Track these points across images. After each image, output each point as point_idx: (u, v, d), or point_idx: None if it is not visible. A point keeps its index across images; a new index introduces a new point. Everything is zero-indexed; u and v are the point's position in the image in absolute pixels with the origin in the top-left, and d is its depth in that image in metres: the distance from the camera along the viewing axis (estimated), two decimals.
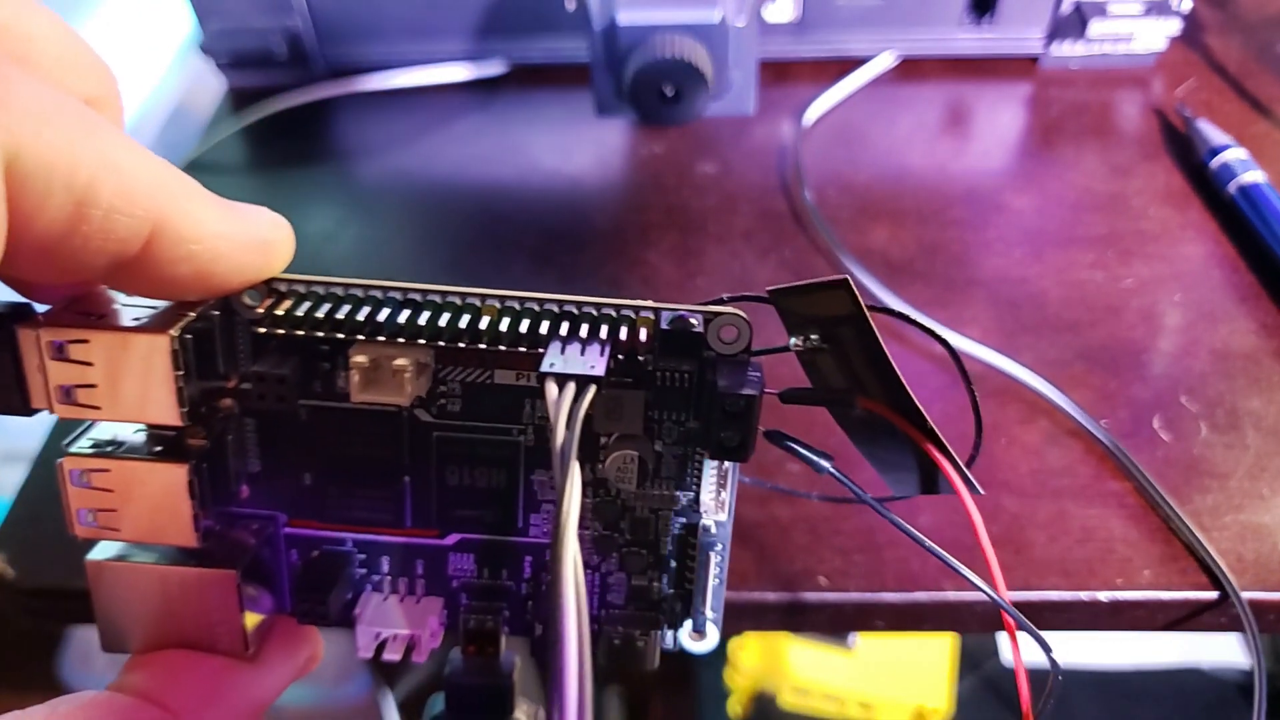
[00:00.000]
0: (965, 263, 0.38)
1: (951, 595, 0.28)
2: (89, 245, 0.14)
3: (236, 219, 0.17)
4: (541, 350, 0.18)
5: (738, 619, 0.29)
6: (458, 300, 0.18)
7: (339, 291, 0.18)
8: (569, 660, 0.15)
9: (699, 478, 0.20)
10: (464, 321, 0.18)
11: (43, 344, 0.17)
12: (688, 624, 0.21)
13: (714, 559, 0.20)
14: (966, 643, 0.68)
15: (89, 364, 0.17)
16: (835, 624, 0.29)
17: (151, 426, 0.18)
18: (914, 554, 0.29)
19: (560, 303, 0.18)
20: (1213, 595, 0.28)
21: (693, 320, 0.18)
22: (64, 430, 0.33)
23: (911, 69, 0.47)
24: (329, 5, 0.45)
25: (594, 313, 0.18)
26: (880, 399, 0.19)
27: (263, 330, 0.18)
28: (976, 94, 0.46)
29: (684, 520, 0.20)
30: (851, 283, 0.18)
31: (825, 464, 0.20)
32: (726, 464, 0.20)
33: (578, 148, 0.44)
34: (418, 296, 0.18)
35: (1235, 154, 0.39)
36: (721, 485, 0.20)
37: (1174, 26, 0.44)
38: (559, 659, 0.15)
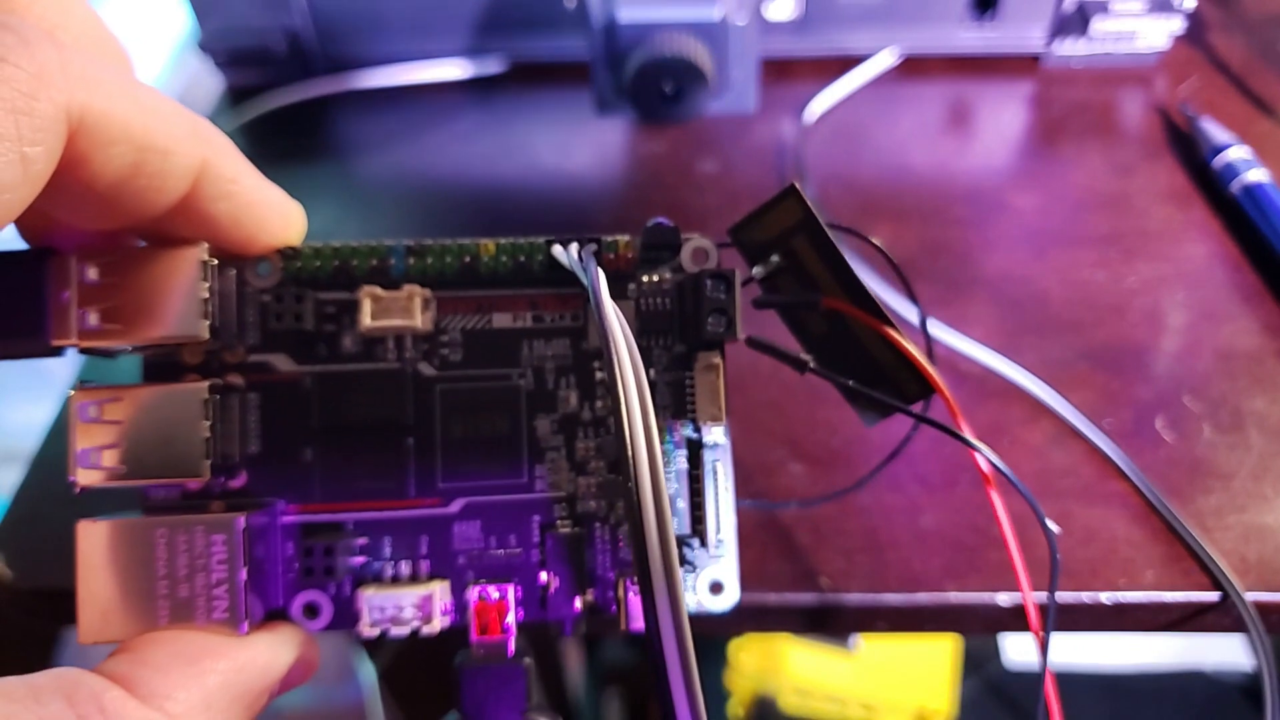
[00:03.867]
0: (968, 262, 0.38)
1: (953, 596, 0.28)
2: (151, 184, 0.17)
3: (265, 179, 0.19)
4: (534, 290, 0.21)
5: (739, 620, 0.29)
6: (457, 245, 0.20)
7: (346, 249, 0.20)
8: (635, 435, 0.16)
9: (693, 403, 0.21)
10: (464, 260, 0.20)
11: (73, 268, 0.18)
12: (706, 575, 0.21)
13: (720, 471, 0.21)
14: (968, 645, 0.68)
15: (116, 284, 0.18)
16: (837, 626, 0.29)
17: (164, 351, 0.19)
18: (916, 555, 0.29)
19: (550, 240, 0.21)
20: (1215, 596, 0.28)
21: (667, 222, 0.20)
22: (61, 430, 0.34)
23: (913, 67, 0.47)
24: (328, 3, 0.45)
25: (579, 243, 0.21)
26: (842, 298, 0.21)
27: (271, 298, 0.20)
28: (978, 92, 0.46)
29: (685, 453, 0.21)
30: (798, 186, 0.20)
31: (807, 360, 0.21)
32: (718, 379, 0.20)
33: (578, 146, 0.44)
34: (420, 245, 0.20)
35: (1238, 153, 0.39)
36: (715, 403, 0.21)
37: (1177, 25, 0.44)
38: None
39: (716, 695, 0.69)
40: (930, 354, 0.22)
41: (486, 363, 0.20)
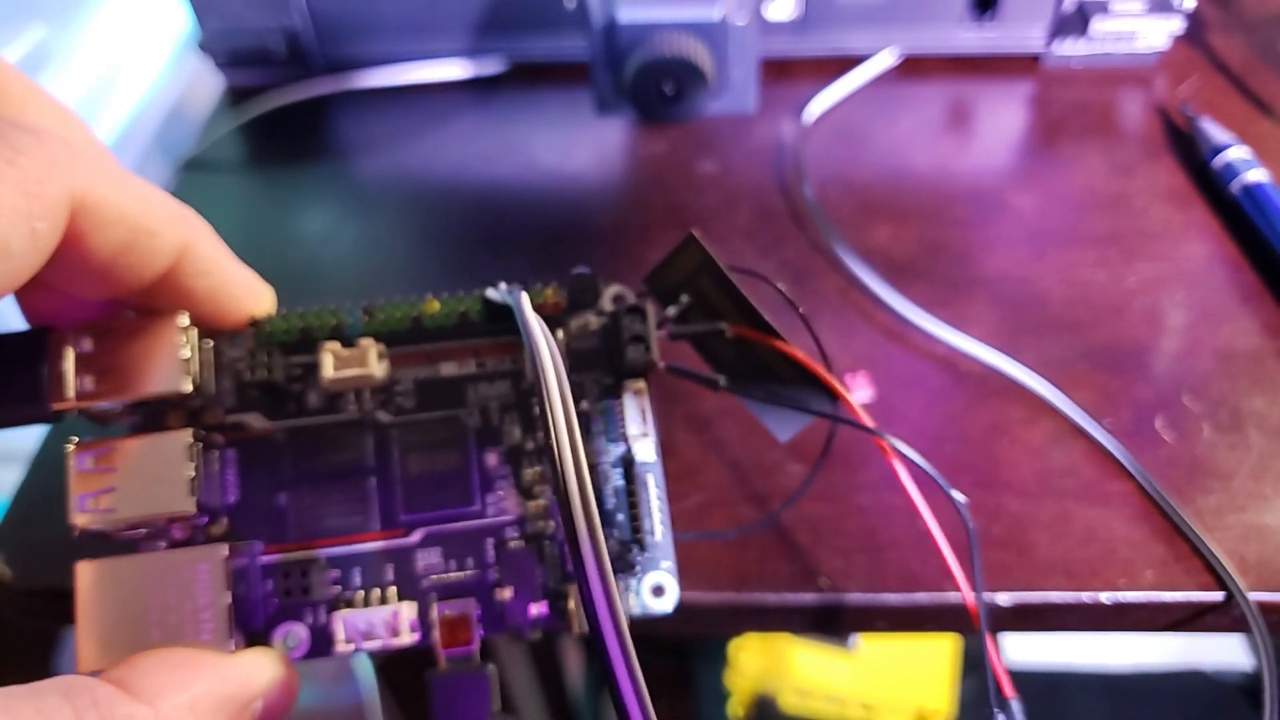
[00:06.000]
0: (967, 262, 0.38)
1: (953, 596, 0.28)
2: (140, 260, 0.19)
3: (239, 262, 0.22)
4: (475, 340, 0.23)
5: (738, 620, 0.29)
6: (405, 304, 0.23)
7: (309, 315, 0.22)
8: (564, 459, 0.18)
9: (625, 425, 0.23)
10: (412, 315, 0.23)
11: (70, 341, 0.20)
12: (649, 580, 0.22)
13: (652, 482, 0.22)
14: (968, 644, 0.68)
15: (108, 351, 0.20)
16: (836, 625, 0.29)
17: (151, 416, 0.22)
18: (915, 555, 0.29)
19: (484, 288, 0.23)
20: (1218, 596, 0.28)
21: (586, 271, 0.23)
22: (60, 430, 0.34)
23: (913, 67, 0.47)
24: (327, 3, 0.45)
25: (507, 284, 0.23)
26: (744, 324, 0.24)
27: (245, 361, 0.22)
28: (978, 92, 0.46)
29: (621, 470, 0.22)
30: (697, 234, 0.23)
31: (720, 380, 0.24)
32: (643, 402, 0.23)
33: (578, 146, 0.44)
34: (372, 306, 0.23)
35: (1238, 153, 0.39)
36: (643, 423, 0.23)
37: (1176, 25, 0.44)
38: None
39: (717, 695, 0.69)
40: (827, 365, 0.25)
41: (437, 406, 0.23)
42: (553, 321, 0.23)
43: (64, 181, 0.17)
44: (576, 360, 0.23)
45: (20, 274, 0.17)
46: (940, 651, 0.68)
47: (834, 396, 0.24)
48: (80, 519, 0.20)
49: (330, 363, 0.22)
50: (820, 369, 0.24)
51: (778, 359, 0.24)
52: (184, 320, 0.21)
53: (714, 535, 0.30)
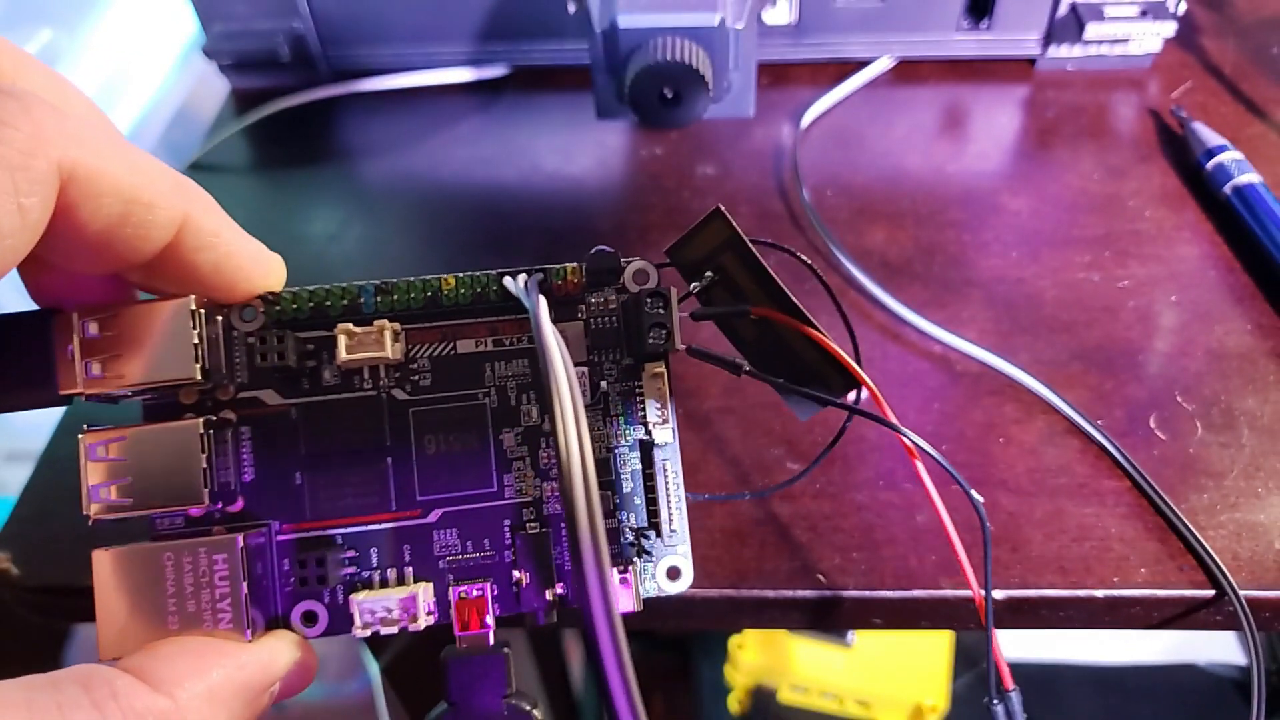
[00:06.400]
0: (962, 263, 0.38)
1: (949, 593, 0.29)
2: (138, 233, 0.18)
3: (245, 234, 0.21)
4: (493, 318, 0.22)
5: (737, 615, 0.30)
6: (420, 282, 0.22)
7: (321, 292, 0.22)
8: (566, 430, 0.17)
9: (644, 409, 0.23)
10: (427, 295, 0.22)
11: (76, 324, 0.19)
12: (664, 563, 0.22)
13: (669, 469, 0.23)
14: (963, 640, 0.69)
15: (115, 336, 0.20)
16: (833, 621, 0.30)
17: (162, 394, 0.21)
18: (911, 552, 0.29)
19: (502, 272, 0.22)
20: (1209, 593, 0.28)
21: (608, 249, 0.22)
22: (68, 428, 0.34)
23: (909, 71, 0.47)
24: (332, 8, 0.45)
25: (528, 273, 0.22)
26: (768, 306, 0.23)
27: (255, 340, 0.22)
28: (973, 96, 0.46)
29: (638, 454, 0.22)
30: (723, 209, 0.22)
31: (742, 363, 0.23)
32: (663, 386, 0.22)
33: (579, 149, 0.44)
34: (388, 284, 0.22)
35: (1231, 155, 0.40)
36: (662, 407, 0.22)
37: (1169, 29, 0.45)
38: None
39: (717, 689, 0.69)
40: (856, 352, 0.24)
41: (454, 385, 0.22)
42: (572, 300, 0.23)
43: (52, 153, 0.16)
44: (596, 339, 0.23)
45: (13, 253, 0.16)
46: (936, 647, 0.68)
47: (857, 384, 0.24)
48: (96, 509, 0.20)
49: (344, 344, 0.21)
50: (848, 359, 0.23)
51: (802, 341, 0.23)
52: (193, 304, 0.20)
53: (729, 497, 0.30)
